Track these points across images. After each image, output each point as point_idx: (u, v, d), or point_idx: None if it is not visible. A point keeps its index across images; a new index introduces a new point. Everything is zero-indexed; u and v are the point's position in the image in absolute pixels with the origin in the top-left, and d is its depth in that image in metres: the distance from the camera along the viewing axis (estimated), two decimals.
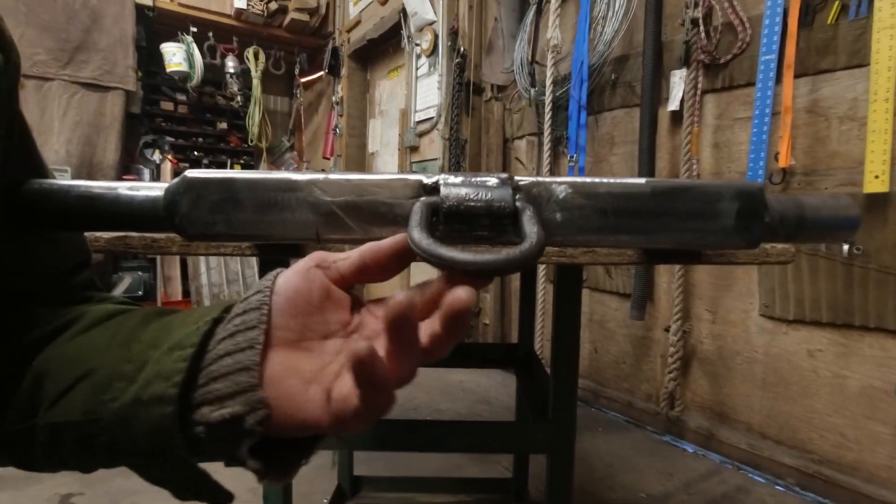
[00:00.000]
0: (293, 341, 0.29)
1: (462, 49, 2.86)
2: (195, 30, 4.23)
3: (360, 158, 4.42)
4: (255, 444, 0.27)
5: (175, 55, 4.14)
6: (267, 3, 4.38)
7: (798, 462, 1.57)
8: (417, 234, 0.29)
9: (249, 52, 4.57)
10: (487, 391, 2.48)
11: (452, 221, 0.36)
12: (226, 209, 0.38)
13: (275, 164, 5.08)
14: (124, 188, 0.39)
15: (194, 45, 4.20)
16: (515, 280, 2.54)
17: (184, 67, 4.17)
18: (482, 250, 0.28)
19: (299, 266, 0.30)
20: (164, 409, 0.26)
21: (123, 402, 0.28)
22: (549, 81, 2.23)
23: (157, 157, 4.21)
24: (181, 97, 4.51)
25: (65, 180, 0.41)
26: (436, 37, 3.09)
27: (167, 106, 4.45)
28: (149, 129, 4.29)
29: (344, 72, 4.34)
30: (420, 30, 3.20)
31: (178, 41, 4.17)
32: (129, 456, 0.29)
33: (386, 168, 4.00)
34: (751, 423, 1.71)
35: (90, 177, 2.03)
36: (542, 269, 2.15)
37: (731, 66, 1.70)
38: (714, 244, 0.42)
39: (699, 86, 1.77)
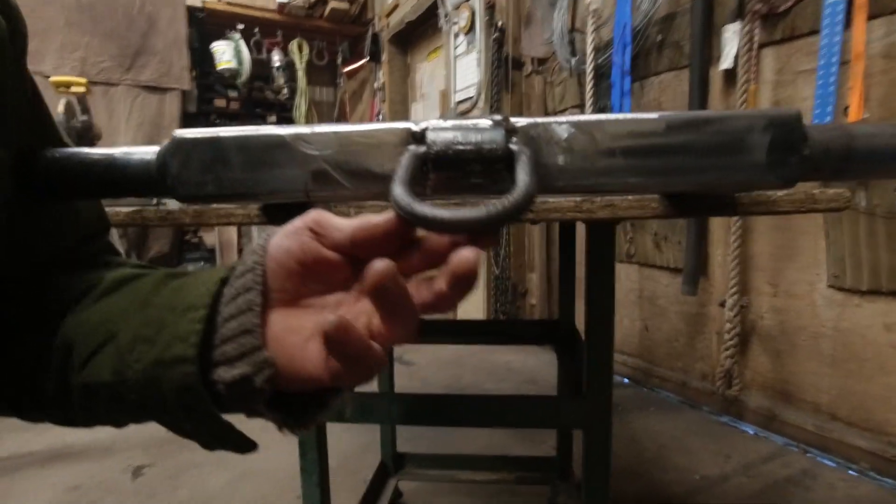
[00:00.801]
0: (291, 300, 0.29)
1: (500, 23, 2.78)
2: (242, 27, 4.37)
3: None
4: (274, 397, 0.29)
5: (224, 53, 4.30)
6: None
7: (874, 445, 1.44)
8: (398, 190, 0.27)
9: (294, 45, 4.67)
10: (534, 371, 2.44)
11: (442, 169, 0.34)
12: (216, 168, 0.38)
13: None
14: (119, 153, 0.40)
15: (242, 42, 4.34)
16: None
17: (233, 65, 4.32)
18: (468, 204, 0.26)
19: (291, 227, 0.29)
20: (186, 369, 0.28)
21: (147, 364, 0.29)
22: (589, 49, 2.12)
23: None
24: (232, 94, 4.68)
25: (70, 148, 0.42)
26: (473, 13, 3.02)
27: (220, 103, 4.64)
28: (204, 127, 4.49)
29: (384, 57, 4.35)
30: (457, 7, 3.13)
31: (227, 39, 4.33)
32: (160, 412, 0.30)
33: None
34: (818, 404, 1.58)
35: None
36: (584, 242, 2.08)
37: (793, 13, 1.54)
38: (743, 184, 0.37)
39: (755, 39, 1.62)
